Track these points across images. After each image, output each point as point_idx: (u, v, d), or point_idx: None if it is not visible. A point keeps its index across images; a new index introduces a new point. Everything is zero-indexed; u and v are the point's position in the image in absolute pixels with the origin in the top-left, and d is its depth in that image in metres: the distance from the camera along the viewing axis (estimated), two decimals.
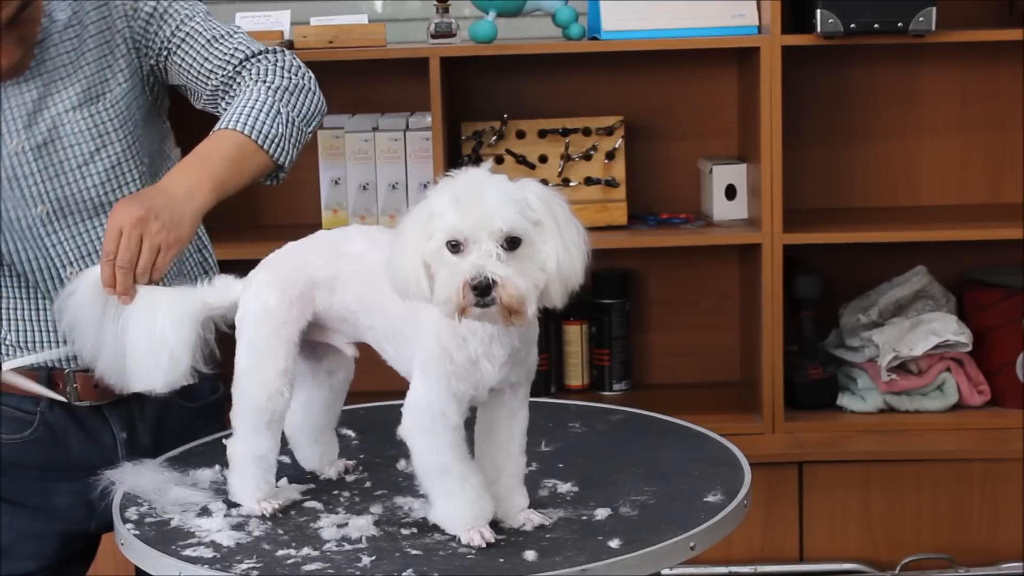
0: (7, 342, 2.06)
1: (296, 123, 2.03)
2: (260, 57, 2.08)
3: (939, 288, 3.36)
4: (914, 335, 3.21)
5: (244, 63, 2.07)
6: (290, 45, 3.25)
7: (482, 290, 1.56)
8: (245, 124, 1.97)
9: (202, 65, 2.07)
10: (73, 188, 2.01)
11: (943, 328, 3.22)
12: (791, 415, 3.21)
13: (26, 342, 2.06)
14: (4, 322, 2.05)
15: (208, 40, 2.08)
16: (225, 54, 2.07)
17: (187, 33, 2.07)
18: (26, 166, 1.99)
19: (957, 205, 3.46)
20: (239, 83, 2.06)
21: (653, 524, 1.75)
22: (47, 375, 2.07)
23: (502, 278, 1.57)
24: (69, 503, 2.10)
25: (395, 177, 3.29)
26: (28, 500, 2.10)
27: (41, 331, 2.06)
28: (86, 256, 2.03)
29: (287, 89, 2.04)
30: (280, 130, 1.99)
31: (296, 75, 2.07)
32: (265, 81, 2.03)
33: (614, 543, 1.68)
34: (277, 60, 2.08)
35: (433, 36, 3.25)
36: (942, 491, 3.13)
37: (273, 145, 1.99)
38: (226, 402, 2.14)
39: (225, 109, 2.06)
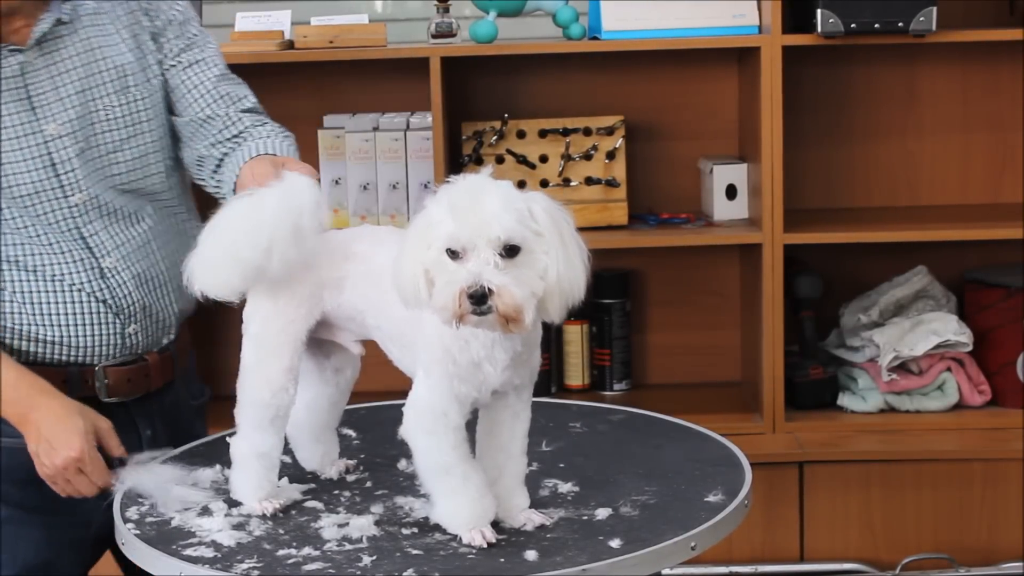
0: (45, 338, 2.03)
1: None
2: (263, 116, 2.15)
3: (939, 288, 3.36)
4: (914, 335, 3.21)
5: (252, 113, 2.13)
6: (290, 45, 3.25)
7: (478, 298, 1.57)
8: None
9: (207, 92, 2.12)
10: (104, 173, 2.03)
11: (943, 328, 3.22)
12: (791, 415, 3.21)
13: (62, 338, 2.03)
14: (40, 323, 2.03)
15: (221, 74, 2.14)
16: (233, 95, 2.13)
17: (203, 58, 2.13)
18: (63, 151, 2.00)
19: (957, 205, 3.46)
20: (251, 131, 2.10)
21: (654, 524, 1.75)
22: (78, 372, 2.05)
23: (498, 286, 1.57)
24: (98, 506, 2.04)
25: (396, 177, 3.29)
26: (61, 507, 2.06)
27: (77, 324, 2.03)
28: (121, 245, 2.04)
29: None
30: None
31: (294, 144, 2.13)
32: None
33: (615, 543, 1.69)
34: (277, 128, 2.13)
35: (433, 36, 3.25)
36: (942, 491, 3.13)
37: None
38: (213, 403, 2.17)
39: (220, 144, 2.10)
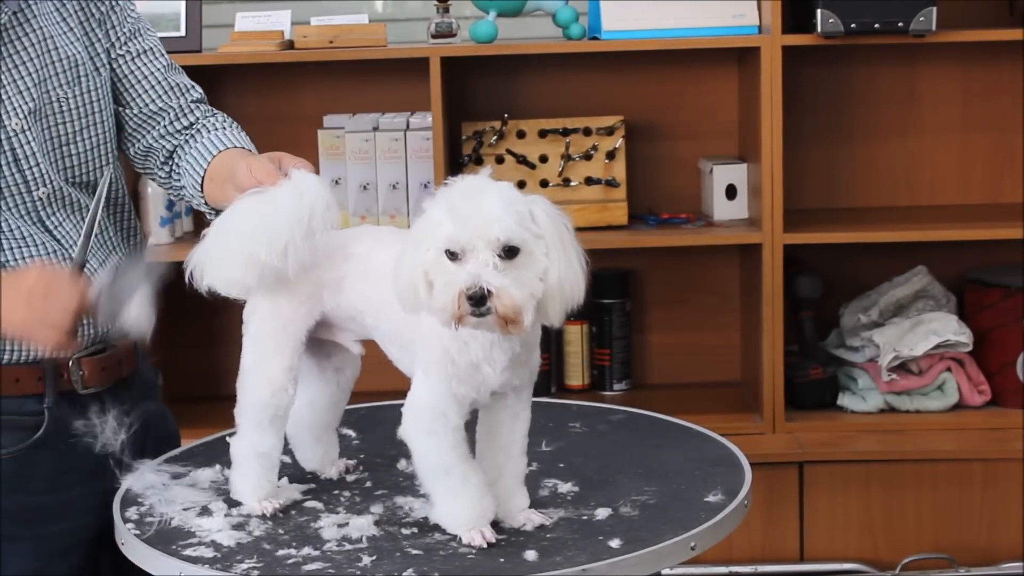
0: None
1: None
2: (210, 107, 2.14)
3: (939, 288, 3.36)
4: (914, 335, 3.22)
5: (201, 104, 2.13)
6: (290, 45, 3.25)
7: (477, 300, 1.56)
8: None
9: (158, 83, 2.10)
10: (58, 166, 2.00)
11: (943, 328, 3.22)
12: (791, 415, 3.21)
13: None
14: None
15: (168, 64, 2.13)
16: (182, 85, 2.13)
17: (150, 47, 2.11)
18: (27, 146, 1.95)
19: (957, 205, 3.46)
20: (204, 123, 2.10)
21: (654, 524, 1.75)
22: (52, 366, 2.00)
23: (497, 288, 1.56)
24: (87, 506, 2.02)
25: (395, 177, 3.29)
26: (47, 515, 2.00)
27: None
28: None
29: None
30: None
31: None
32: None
33: (615, 543, 1.68)
34: (227, 118, 2.13)
35: (433, 36, 3.25)
36: (942, 491, 3.13)
37: None
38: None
39: (170, 135, 2.10)
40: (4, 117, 1.94)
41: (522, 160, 3.33)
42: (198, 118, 2.11)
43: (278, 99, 3.43)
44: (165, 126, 2.10)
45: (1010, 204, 3.42)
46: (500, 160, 3.32)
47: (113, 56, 2.09)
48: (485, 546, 1.69)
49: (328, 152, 3.30)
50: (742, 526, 1.84)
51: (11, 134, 1.95)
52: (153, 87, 2.10)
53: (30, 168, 1.96)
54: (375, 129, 3.31)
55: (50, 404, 2.01)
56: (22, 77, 1.97)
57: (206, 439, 2.15)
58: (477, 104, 3.44)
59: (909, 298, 3.34)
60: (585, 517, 1.78)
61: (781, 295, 3.17)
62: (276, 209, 1.78)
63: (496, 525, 1.74)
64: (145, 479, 1.94)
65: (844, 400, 3.28)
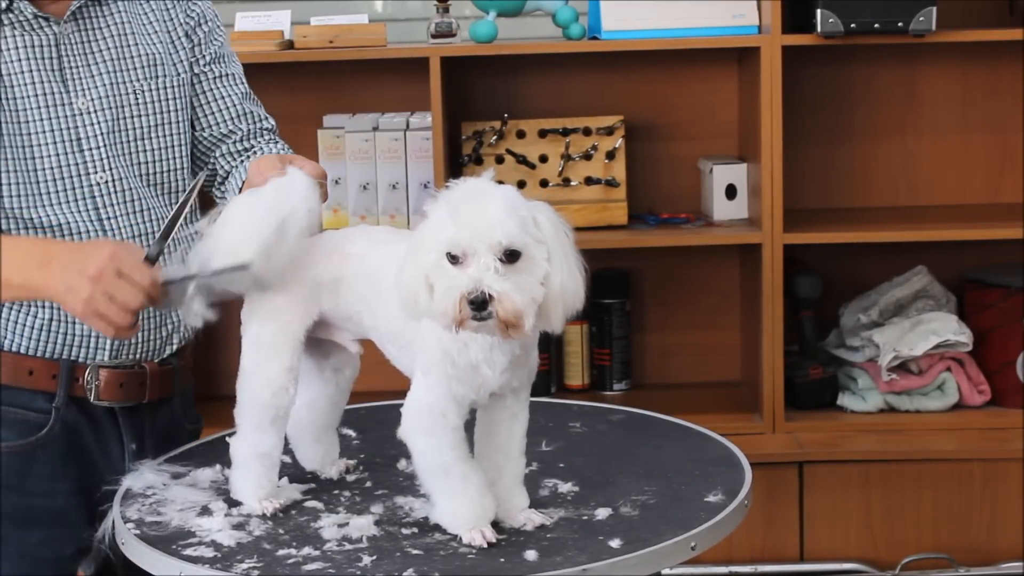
0: (37, 317, 1.96)
1: None
2: (277, 136, 2.17)
3: (939, 288, 3.36)
4: (914, 335, 3.22)
5: (268, 133, 2.15)
6: (290, 45, 3.25)
7: (478, 304, 1.56)
8: None
9: (233, 106, 2.13)
10: (131, 159, 2.01)
11: (943, 328, 3.22)
12: (791, 415, 3.21)
13: (57, 322, 1.97)
14: (42, 304, 1.96)
15: (246, 92, 2.16)
16: (255, 114, 2.15)
17: (232, 72, 2.15)
18: (91, 127, 1.97)
19: (957, 205, 3.46)
20: (261, 147, 2.12)
21: (654, 524, 1.75)
22: (69, 367, 1.99)
23: (499, 293, 1.56)
24: (80, 518, 2.00)
25: (395, 177, 3.29)
26: (41, 518, 1.99)
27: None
28: (137, 236, 2.00)
29: None
30: None
31: None
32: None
33: (615, 543, 1.69)
34: (286, 146, 2.16)
35: (433, 36, 3.25)
36: (942, 491, 3.13)
37: None
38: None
39: (231, 155, 2.12)
40: (72, 95, 1.97)
41: (522, 160, 3.33)
42: (259, 142, 2.13)
43: (278, 99, 3.41)
44: (228, 147, 2.13)
45: (1010, 204, 3.42)
46: (500, 160, 3.32)
47: (196, 72, 2.11)
48: (485, 546, 1.69)
49: (328, 152, 3.30)
50: (742, 526, 1.84)
51: (76, 112, 1.97)
52: (228, 108, 2.13)
53: (91, 150, 1.98)
54: (375, 129, 3.30)
55: (59, 404, 2.00)
56: (96, 63, 2.00)
57: (206, 439, 2.15)
58: (477, 104, 3.44)
59: (909, 298, 3.34)
60: (585, 517, 1.78)
61: (781, 295, 3.17)
62: (256, 210, 1.79)
63: (496, 525, 1.74)
64: (145, 479, 1.95)
65: (844, 400, 3.28)
